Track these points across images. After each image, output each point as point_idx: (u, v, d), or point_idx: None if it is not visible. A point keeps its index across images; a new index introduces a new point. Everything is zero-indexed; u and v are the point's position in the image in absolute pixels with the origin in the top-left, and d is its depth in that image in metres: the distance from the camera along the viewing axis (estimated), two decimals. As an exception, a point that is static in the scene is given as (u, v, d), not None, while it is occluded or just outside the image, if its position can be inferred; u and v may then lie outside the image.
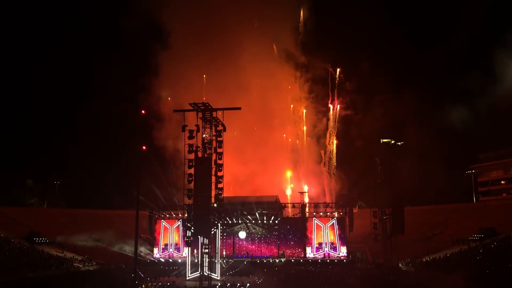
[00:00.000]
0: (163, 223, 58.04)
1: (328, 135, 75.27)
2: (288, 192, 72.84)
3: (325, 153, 75.14)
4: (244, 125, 63.61)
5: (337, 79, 75.71)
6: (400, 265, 48.27)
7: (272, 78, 71.37)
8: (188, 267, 46.48)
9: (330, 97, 75.93)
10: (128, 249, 54.93)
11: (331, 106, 75.75)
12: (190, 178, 39.20)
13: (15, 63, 71.96)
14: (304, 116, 76.44)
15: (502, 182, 67.57)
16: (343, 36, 70.06)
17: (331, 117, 75.62)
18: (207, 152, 40.33)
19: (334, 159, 74.87)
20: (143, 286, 39.07)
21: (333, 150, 75.37)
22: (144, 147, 40.44)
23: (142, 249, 55.97)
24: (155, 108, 65.38)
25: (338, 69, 75.67)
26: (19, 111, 73.16)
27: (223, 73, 68.49)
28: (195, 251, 47.38)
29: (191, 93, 65.04)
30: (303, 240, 55.58)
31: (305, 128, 76.29)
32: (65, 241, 55.39)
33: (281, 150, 73.74)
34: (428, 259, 47.33)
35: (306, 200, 62.26)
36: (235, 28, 67.36)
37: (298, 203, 58.42)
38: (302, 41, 71.86)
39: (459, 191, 70.49)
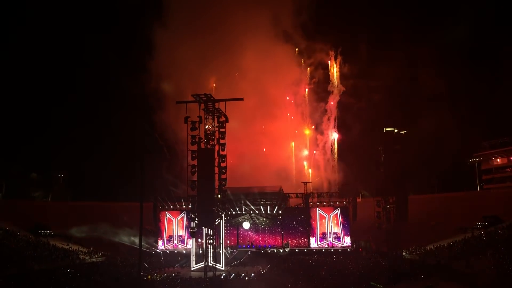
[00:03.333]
0: (167, 215, 58.28)
1: (326, 119, 74.38)
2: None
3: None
4: (243, 113, 62.50)
5: (338, 62, 74.52)
6: (404, 253, 48.37)
7: (272, 64, 70.11)
8: (193, 258, 46.79)
9: (331, 82, 74.84)
10: (126, 239, 55.39)
11: (331, 97, 74.72)
12: (194, 170, 39.28)
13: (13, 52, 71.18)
14: (307, 99, 75.57)
15: (507, 169, 67.29)
16: (344, 19, 69.21)
17: (331, 101, 74.36)
18: (210, 143, 40.34)
19: (335, 148, 74.21)
20: (149, 277, 39.35)
21: (334, 139, 74.65)
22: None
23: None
24: (155, 94, 64.70)
25: (339, 49, 74.61)
26: (21, 104, 73.00)
27: (222, 58, 67.41)
28: (200, 241, 47.62)
29: (191, 78, 64.34)
30: (307, 230, 55.73)
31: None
32: (70, 233, 55.77)
33: (282, 138, 72.96)
34: (432, 248, 47.40)
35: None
36: (233, 10, 66.52)
37: (302, 193, 58.44)
38: (303, 23, 70.69)
39: (463, 179, 70.33)
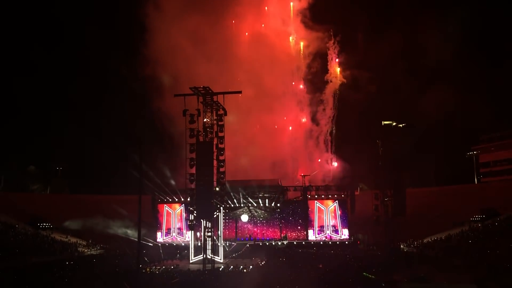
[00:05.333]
0: (166, 207, 58.37)
1: (321, 109, 73.17)
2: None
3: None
4: (240, 104, 61.41)
5: (337, 52, 73.15)
6: (401, 246, 48.65)
7: (268, 53, 68.97)
8: (192, 250, 46.93)
9: (329, 72, 73.49)
10: (121, 231, 55.63)
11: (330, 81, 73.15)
12: (192, 163, 39.34)
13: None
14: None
15: (504, 163, 67.48)
16: (343, 6, 68.28)
17: (328, 92, 73.01)
18: (209, 136, 40.36)
19: (331, 139, 73.06)
20: (148, 270, 39.47)
21: (330, 130, 73.45)
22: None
23: (131, 232, 56.08)
24: (151, 82, 63.79)
25: (337, 38, 73.18)
26: (19, 97, 72.61)
27: (217, 46, 66.09)
28: (198, 234, 47.72)
29: (186, 65, 63.21)
30: (305, 222, 55.90)
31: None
32: (69, 226, 55.89)
33: (278, 131, 72.06)
34: (430, 240, 47.68)
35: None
36: None
37: (300, 186, 58.54)
38: (301, 11, 69.60)
39: (461, 173, 70.48)
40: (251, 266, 40.12)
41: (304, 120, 74.28)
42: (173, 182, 55.71)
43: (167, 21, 63.75)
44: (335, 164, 72.15)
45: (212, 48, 66.12)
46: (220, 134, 40.20)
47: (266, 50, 68.20)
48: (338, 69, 73.16)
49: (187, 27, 64.79)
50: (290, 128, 73.97)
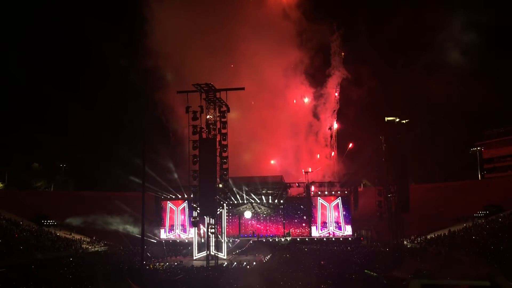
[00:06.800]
0: (169, 204, 58.51)
1: (322, 103, 72.06)
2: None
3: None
4: (243, 100, 60.68)
5: (340, 45, 71.92)
6: (405, 242, 48.57)
7: (270, 46, 68.09)
8: (195, 247, 47.04)
9: (332, 66, 72.36)
10: (121, 227, 55.87)
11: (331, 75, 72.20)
12: (195, 159, 39.35)
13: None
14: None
15: (508, 159, 67.15)
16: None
17: (330, 86, 71.65)
18: (212, 133, 40.34)
19: (331, 134, 72.35)
20: (151, 266, 39.58)
21: (330, 125, 72.68)
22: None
23: (130, 229, 56.27)
24: (152, 76, 63.32)
25: (340, 32, 71.40)
26: (22, 94, 72.76)
27: (219, 40, 65.21)
28: (202, 231, 47.79)
29: (187, 58, 62.74)
30: (308, 219, 55.93)
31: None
32: (70, 223, 56.10)
33: (280, 125, 71.26)
34: (433, 236, 47.60)
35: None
36: None
37: (303, 182, 58.53)
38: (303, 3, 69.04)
39: (464, 168, 70.25)
40: (254, 263, 40.19)
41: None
42: (176, 177, 55.86)
43: (168, 12, 63.32)
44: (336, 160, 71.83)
45: (214, 41, 65.67)
46: (223, 131, 40.17)
47: (268, 43, 67.51)
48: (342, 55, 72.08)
49: (188, 18, 64.39)
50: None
